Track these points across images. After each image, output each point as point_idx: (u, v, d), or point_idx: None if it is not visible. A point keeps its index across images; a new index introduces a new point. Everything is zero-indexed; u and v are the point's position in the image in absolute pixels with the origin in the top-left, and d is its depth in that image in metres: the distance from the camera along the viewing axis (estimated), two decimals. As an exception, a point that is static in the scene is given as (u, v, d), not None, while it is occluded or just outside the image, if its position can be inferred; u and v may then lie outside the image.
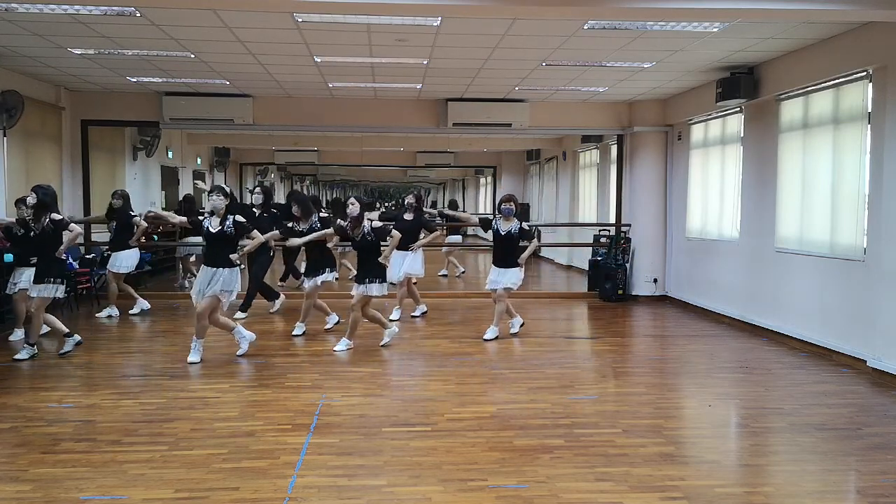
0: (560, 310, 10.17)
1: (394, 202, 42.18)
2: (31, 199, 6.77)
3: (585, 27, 6.83)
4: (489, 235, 8.39)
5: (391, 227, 7.48)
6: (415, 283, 9.49)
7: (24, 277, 7.39)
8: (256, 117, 10.94)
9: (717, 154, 9.83)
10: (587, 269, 12.14)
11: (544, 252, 17.32)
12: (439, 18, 6.60)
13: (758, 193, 8.63)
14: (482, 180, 27.67)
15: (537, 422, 5.05)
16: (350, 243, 7.69)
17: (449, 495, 3.83)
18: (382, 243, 7.25)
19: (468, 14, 6.27)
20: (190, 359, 6.67)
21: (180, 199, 14.69)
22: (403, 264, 8.71)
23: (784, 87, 7.99)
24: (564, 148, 16.29)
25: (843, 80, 7.08)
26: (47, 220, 6.74)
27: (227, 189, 6.91)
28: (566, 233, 15.41)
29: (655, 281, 11.20)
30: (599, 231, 12.40)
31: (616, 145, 12.06)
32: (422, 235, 9.00)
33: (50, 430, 4.80)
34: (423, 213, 9.34)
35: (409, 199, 9.27)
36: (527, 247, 7.89)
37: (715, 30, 6.90)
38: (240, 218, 6.82)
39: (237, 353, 6.90)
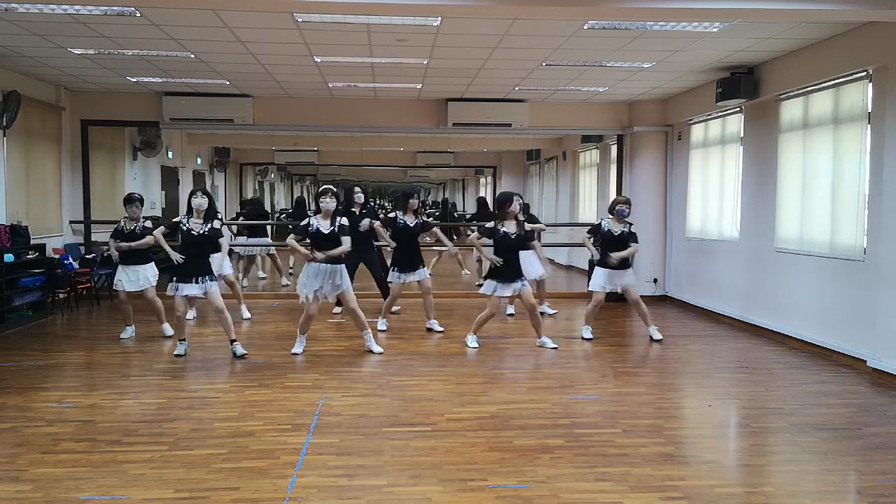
0: (560, 310, 10.16)
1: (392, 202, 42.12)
2: (203, 201, 6.90)
3: (585, 27, 6.84)
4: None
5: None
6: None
7: (144, 276, 7.66)
8: (256, 117, 10.94)
9: (717, 154, 9.83)
10: (587, 269, 12.13)
11: (544, 252, 17.29)
12: (439, 18, 6.60)
13: (758, 193, 8.63)
14: (482, 180, 27.66)
15: (537, 422, 5.05)
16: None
17: (449, 495, 3.83)
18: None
19: (468, 14, 6.27)
20: (375, 350, 7.11)
21: (295, 200, 15.22)
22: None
23: (784, 87, 7.99)
24: (564, 148, 16.29)
25: (843, 80, 7.08)
26: (211, 222, 6.96)
27: (335, 190, 7.15)
28: (566, 233, 15.41)
29: (655, 281, 11.21)
30: (599, 231, 12.37)
31: (616, 145, 12.06)
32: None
33: (50, 430, 4.80)
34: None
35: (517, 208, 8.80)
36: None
37: (715, 30, 6.90)
38: (345, 221, 7.09)
39: (372, 349, 7.15)
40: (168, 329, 7.87)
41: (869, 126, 6.72)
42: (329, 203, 6.88)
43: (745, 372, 6.71)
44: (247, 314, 9.19)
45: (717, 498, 3.83)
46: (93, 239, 10.99)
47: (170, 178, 14.94)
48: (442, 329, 8.28)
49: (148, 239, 7.36)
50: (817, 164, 7.53)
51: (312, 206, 8.36)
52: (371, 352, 7.12)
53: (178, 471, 4.10)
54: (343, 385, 6.01)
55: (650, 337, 7.95)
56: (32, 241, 9.01)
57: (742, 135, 9.09)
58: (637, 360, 7.30)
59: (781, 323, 8.03)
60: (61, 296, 9.58)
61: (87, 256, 10.44)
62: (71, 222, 10.74)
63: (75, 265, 9.88)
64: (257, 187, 24.07)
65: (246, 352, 6.91)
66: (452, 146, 18.21)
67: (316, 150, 19.49)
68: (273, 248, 12.42)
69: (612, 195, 12.20)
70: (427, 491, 3.88)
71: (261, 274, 12.52)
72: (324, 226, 6.87)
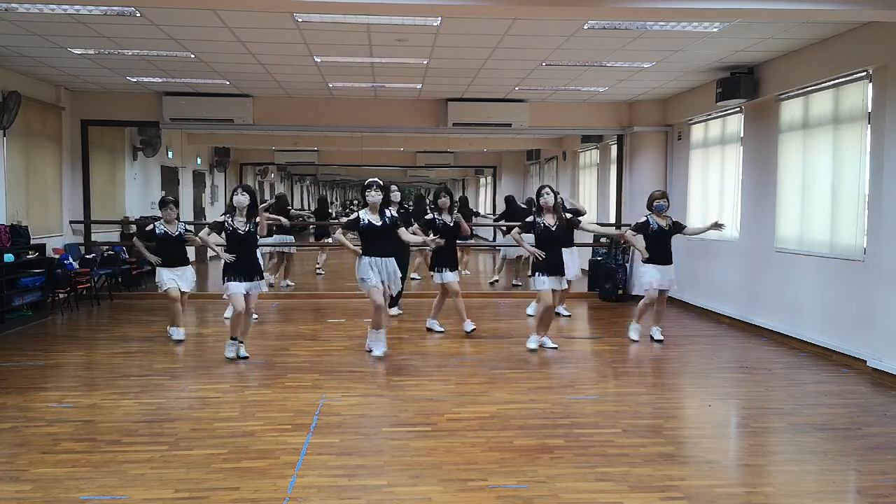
0: (560, 309, 10.14)
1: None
2: (244, 198, 6.82)
3: (585, 27, 6.84)
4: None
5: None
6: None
7: (185, 277, 7.67)
8: (256, 117, 10.95)
9: (717, 154, 9.83)
10: (587, 268, 12.14)
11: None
12: (439, 18, 6.60)
13: (758, 193, 8.63)
14: (482, 180, 27.66)
15: (537, 422, 5.05)
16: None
17: (449, 495, 3.83)
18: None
19: (468, 14, 6.27)
20: (377, 351, 6.97)
21: (318, 199, 15.66)
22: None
23: (784, 87, 7.99)
24: (564, 148, 16.29)
25: (843, 80, 7.08)
26: (254, 220, 6.95)
27: (381, 183, 7.11)
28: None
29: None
30: (599, 231, 12.39)
31: (616, 145, 12.06)
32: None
33: (50, 430, 4.80)
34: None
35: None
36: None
37: (715, 30, 6.90)
38: (394, 212, 7.18)
39: (374, 352, 7.00)
40: (175, 333, 7.86)
41: (869, 126, 6.72)
42: (375, 196, 6.89)
43: (745, 372, 6.71)
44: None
45: (717, 498, 3.83)
46: (93, 239, 10.99)
47: (170, 178, 14.94)
48: (442, 329, 8.28)
49: (204, 234, 7.08)
50: (817, 164, 7.53)
51: (336, 203, 8.39)
52: (371, 352, 7.11)
53: (178, 471, 4.10)
54: (343, 385, 6.01)
55: (651, 336, 7.95)
56: (32, 241, 9.01)
57: (742, 135, 9.08)
58: (637, 360, 7.30)
59: (781, 323, 8.03)
60: (61, 296, 9.59)
61: (87, 256, 10.45)
62: (71, 222, 10.74)
63: (75, 265, 9.88)
64: (257, 187, 24.07)
65: (248, 356, 6.90)
66: (452, 146, 18.22)
67: (316, 150, 19.50)
68: (294, 247, 12.46)
69: (613, 195, 12.22)
70: (427, 491, 3.88)
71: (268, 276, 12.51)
72: (374, 219, 6.91)
